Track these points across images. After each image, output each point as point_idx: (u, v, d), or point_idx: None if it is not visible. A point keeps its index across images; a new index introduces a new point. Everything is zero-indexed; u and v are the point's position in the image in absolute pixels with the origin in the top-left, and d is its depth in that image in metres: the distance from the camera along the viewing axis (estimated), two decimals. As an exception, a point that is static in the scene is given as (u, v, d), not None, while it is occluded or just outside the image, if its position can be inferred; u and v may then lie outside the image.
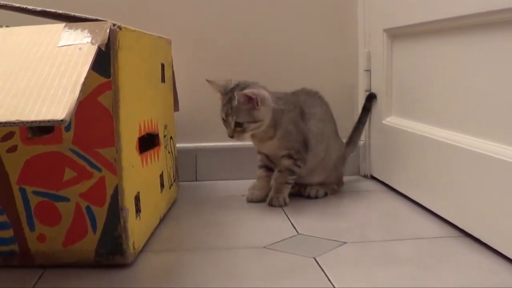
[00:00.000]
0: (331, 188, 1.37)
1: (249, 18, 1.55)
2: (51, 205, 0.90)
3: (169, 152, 1.25)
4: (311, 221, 1.17)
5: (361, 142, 1.58)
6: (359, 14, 1.56)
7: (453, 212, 1.09)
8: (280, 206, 1.26)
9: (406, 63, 1.34)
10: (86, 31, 0.83)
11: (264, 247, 1.01)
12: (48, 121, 0.67)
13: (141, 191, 0.98)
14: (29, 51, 0.80)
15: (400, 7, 1.31)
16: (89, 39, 0.81)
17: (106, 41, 0.81)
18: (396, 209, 1.25)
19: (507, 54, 0.91)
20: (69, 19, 0.89)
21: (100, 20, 0.86)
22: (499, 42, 0.94)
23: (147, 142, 1.07)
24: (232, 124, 1.19)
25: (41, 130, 0.90)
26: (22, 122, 0.67)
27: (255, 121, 1.19)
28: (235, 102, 1.18)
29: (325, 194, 1.35)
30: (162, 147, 1.18)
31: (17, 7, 0.94)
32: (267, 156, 1.32)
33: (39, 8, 0.93)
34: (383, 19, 1.43)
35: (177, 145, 1.40)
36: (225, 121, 1.22)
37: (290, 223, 1.15)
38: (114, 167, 0.89)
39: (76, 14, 0.89)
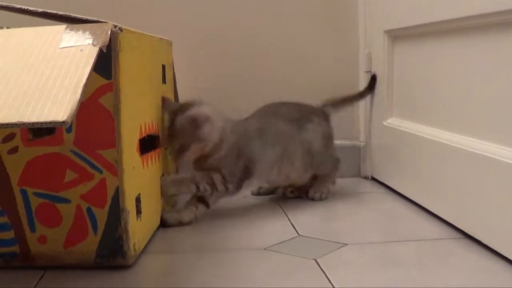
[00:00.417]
0: (329, 186, 1.35)
1: (250, 20, 1.55)
2: (52, 206, 0.90)
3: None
4: (312, 222, 1.17)
5: (361, 144, 1.58)
6: (359, 15, 1.56)
7: (454, 213, 1.09)
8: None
9: (407, 64, 1.34)
10: (87, 32, 0.83)
11: (265, 248, 1.01)
12: (50, 122, 0.67)
13: (142, 193, 0.98)
14: (30, 53, 0.80)
15: (401, 8, 1.31)
16: (90, 41, 0.81)
17: (107, 43, 0.81)
18: (396, 210, 1.25)
19: (508, 56, 0.91)
20: (70, 20, 0.89)
21: (101, 22, 0.86)
22: (500, 43, 0.93)
23: (148, 144, 1.07)
24: (176, 146, 1.16)
25: (42, 131, 0.90)
26: (24, 124, 0.67)
27: (199, 141, 1.14)
28: (177, 125, 1.14)
29: (328, 191, 1.34)
30: (163, 148, 1.18)
31: (18, 8, 0.94)
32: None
33: (40, 10, 0.93)
34: (384, 21, 1.43)
35: (178, 146, 1.40)
36: (169, 141, 1.18)
37: (290, 224, 1.15)
38: (115, 169, 0.89)
39: (77, 16, 0.89)
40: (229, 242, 1.05)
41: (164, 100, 1.19)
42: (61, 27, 0.85)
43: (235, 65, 1.55)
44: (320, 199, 1.32)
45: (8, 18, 1.03)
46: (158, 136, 1.15)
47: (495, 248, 0.94)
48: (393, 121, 1.40)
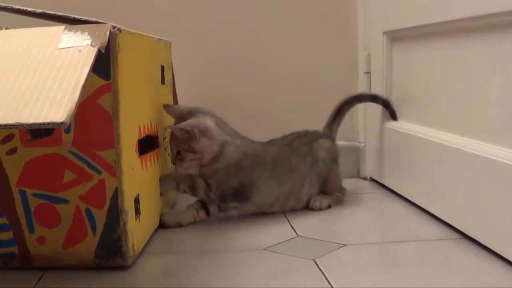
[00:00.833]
0: (334, 197, 1.30)
1: (249, 21, 1.55)
2: (50, 207, 0.90)
3: (168, 155, 1.25)
4: (311, 223, 1.17)
5: (361, 145, 1.58)
6: (359, 17, 1.56)
7: (453, 214, 1.09)
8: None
9: (406, 65, 1.34)
10: (86, 33, 0.83)
11: (264, 249, 1.01)
12: (48, 123, 0.67)
13: (141, 193, 0.98)
14: (29, 54, 0.80)
15: (400, 10, 1.31)
16: (89, 42, 0.81)
17: (106, 44, 0.81)
18: (395, 211, 1.25)
19: (506, 57, 0.91)
20: (69, 21, 0.89)
21: (100, 23, 0.86)
22: (498, 44, 0.94)
23: (147, 144, 1.07)
24: (174, 152, 1.16)
25: (40, 132, 0.90)
26: (22, 125, 0.67)
27: (193, 152, 1.14)
28: (176, 133, 1.14)
29: (329, 206, 1.27)
30: (161, 149, 1.18)
31: (17, 9, 0.94)
32: None
33: (39, 10, 0.93)
34: (383, 22, 1.43)
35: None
36: (170, 147, 1.19)
37: (289, 225, 1.15)
38: (114, 169, 0.89)
39: (76, 16, 0.89)
40: (228, 242, 1.06)
41: (167, 106, 1.19)
42: (60, 28, 0.85)
43: (234, 65, 1.55)
44: (320, 209, 1.26)
45: (6, 18, 1.03)
46: (157, 137, 1.15)
47: (494, 249, 0.94)
48: (392, 122, 1.40)
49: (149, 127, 1.07)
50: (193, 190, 1.18)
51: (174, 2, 1.52)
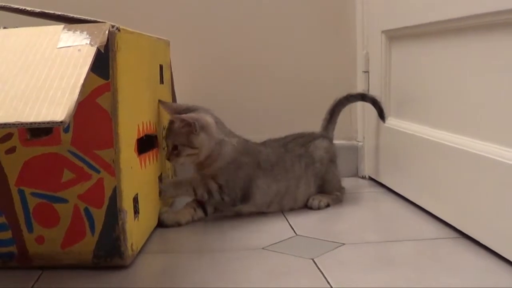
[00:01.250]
0: (333, 197, 1.30)
1: (248, 20, 1.55)
2: (49, 206, 0.90)
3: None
4: (309, 222, 1.17)
5: (359, 144, 1.58)
6: (357, 16, 1.56)
7: (451, 213, 1.09)
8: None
9: (404, 64, 1.34)
10: (85, 32, 0.83)
11: (263, 248, 1.01)
12: (48, 122, 0.67)
13: (140, 193, 0.98)
14: (28, 53, 0.80)
15: (399, 8, 1.32)
16: (88, 41, 0.81)
17: (105, 43, 0.81)
18: (394, 210, 1.25)
19: (505, 56, 0.91)
20: (68, 20, 0.89)
21: (99, 22, 0.86)
22: (496, 43, 0.94)
23: (146, 144, 1.07)
24: (170, 146, 1.16)
25: (39, 131, 0.90)
26: (21, 124, 0.67)
27: (191, 147, 1.14)
28: (175, 125, 1.14)
29: (327, 205, 1.27)
30: (160, 148, 1.18)
31: (16, 8, 0.94)
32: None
33: (38, 10, 0.93)
34: (381, 21, 1.43)
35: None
36: (166, 142, 1.18)
37: (288, 224, 1.15)
38: (113, 169, 0.89)
39: (75, 16, 0.89)
40: (226, 242, 1.06)
41: (163, 102, 1.18)
42: (59, 27, 0.85)
43: (232, 65, 1.55)
44: (318, 208, 1.25)
45: (6, 18, 1.03)
46: (156, 136, 1.15)
47: (492, 248, 0.94)
48: (390, 121, 1.41)
49: (148, 126, 1.07)
50: (209, 194, 1.17)
51: (173, 1, 1.52)
